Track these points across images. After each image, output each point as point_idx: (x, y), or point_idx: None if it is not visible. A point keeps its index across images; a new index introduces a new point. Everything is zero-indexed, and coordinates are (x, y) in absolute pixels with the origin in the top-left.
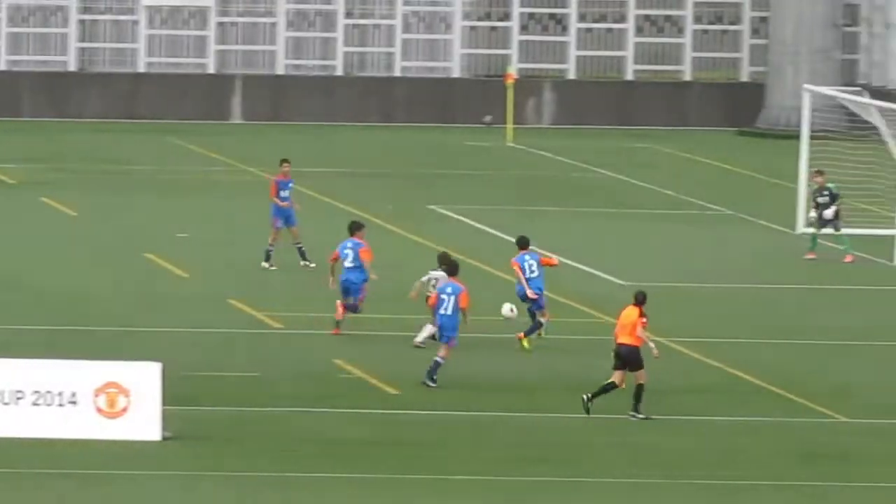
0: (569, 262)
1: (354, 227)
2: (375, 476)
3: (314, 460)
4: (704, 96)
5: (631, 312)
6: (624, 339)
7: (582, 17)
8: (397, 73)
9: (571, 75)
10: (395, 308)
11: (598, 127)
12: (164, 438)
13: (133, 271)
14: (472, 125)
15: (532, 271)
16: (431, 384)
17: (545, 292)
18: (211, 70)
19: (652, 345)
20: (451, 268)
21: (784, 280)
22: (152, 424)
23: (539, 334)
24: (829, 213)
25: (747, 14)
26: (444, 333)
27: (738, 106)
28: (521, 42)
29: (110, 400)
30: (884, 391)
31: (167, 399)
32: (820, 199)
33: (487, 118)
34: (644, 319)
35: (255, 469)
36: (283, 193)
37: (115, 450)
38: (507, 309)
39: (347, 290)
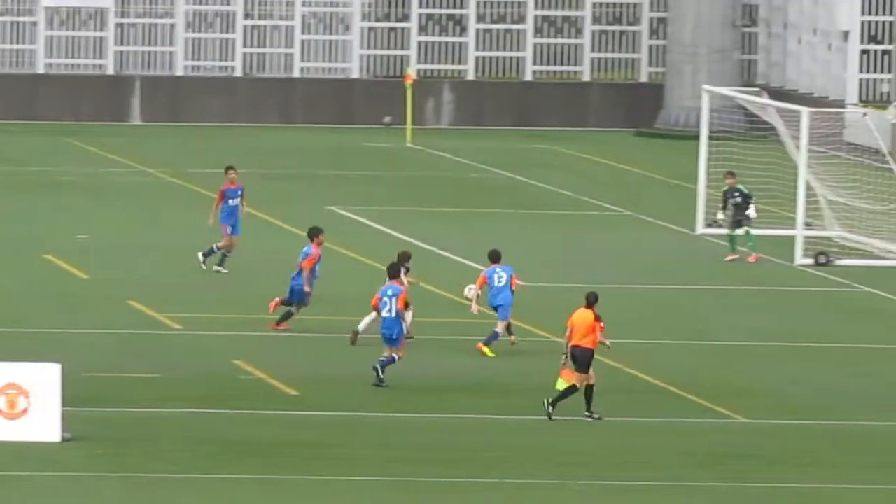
0: (468, 262)
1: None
2: (275, 477)
3: (214, 461)
4: (603, 97)
5: (586, 315)
6: (579, 342)
7: (480, 18)
8: (296, 73)
9: (470, 76)
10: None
11: (497, 128)
12: (65, 440)
13: (32, 272)
14: (372, 126)
15: (500, 281)
16: (381, 384)
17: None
18: (110, 71)
19: (608, 343)
20: (392, 271)
21: (684, 281)
22: (52, 426)
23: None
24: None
25: (646, 14)
26: (386, 336)
27: (637, 107)
28: (420, 43)
29: (10, 401)
30: (784, 392)
31: (67, 400)
32: (732, 201)
33: (387, 119)
34: (602, 324)
35: (155, 470)
36: (233, 202)
37: (16, 451)
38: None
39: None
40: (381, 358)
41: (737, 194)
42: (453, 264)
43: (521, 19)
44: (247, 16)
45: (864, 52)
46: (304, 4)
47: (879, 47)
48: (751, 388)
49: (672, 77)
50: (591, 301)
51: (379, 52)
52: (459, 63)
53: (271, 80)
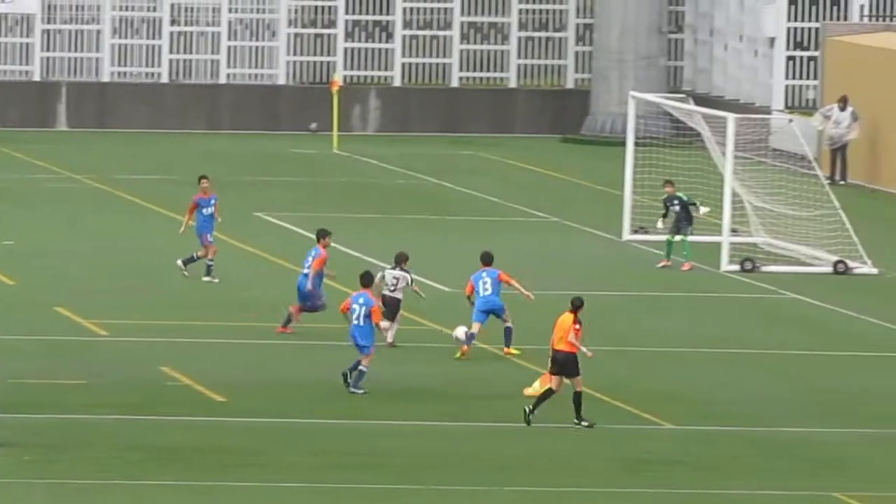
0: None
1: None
2: (201, 483)
3: (142, 467)
4: (530, 103)
5: (567, 319)
6: (560, 346)
7: (407, 25)
8: (223, 80)
9: (397, 82)
10: (223, 315)
11: (423, 134)
12: None
13: None
14: (298, 132)
15: (486, 289)
16: (357, 391)
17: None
18: (36, 77)
19: (584, 349)
20: (364, 279)
21: (612, 287)
22: None
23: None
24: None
25: (573, 21)
26: (357, 343)
27: (563, 113)
28: (346, 49)
29: None
30: (711, 398)
31: None
32: (672, 209)
33: (313, 125)
34: (578, 326)
35: (84, 476)
36: (206, 211)
37: None
38: (461, 332)
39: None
40: (359, 367)
41: (676, 202)
42: (378, 270)
43: (448, 26)
44: (173, 22)
45: (789, 58)
46: (230, 11)
47: (805, 54)
48: (678, 395)
49: (598, 83)
50: (575, 306)
51: (305, 58)
52: (386, 69)
53: (198, 86)
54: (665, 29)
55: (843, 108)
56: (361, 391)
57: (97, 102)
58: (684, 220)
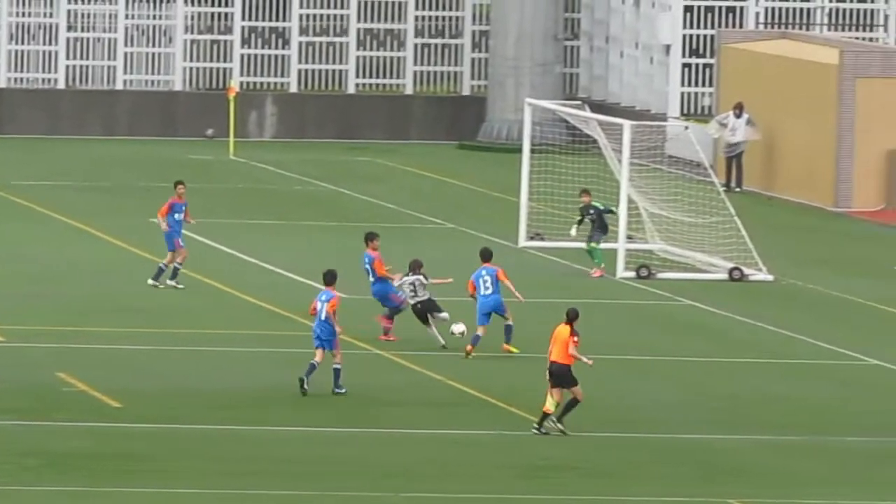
0: (290, 275)
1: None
2: (97, 489)
3: (37, 473)
4: (426, 110)
5: (563, 330)
6: (555, 357)
7: (303, 31)
8: (120, 86)
9: (293, 89)
10: (119, 321)
11: (320, 140)
12: None
13: None
14: (195, 138)
15: (486, 287)
16: (340, 391)
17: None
18: None
19: (585, 359)
20: (327, 277)
21: (508, 293)
22: None
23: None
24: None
25: (469, 28)
26: (321, 339)
27: (459, 119)
28: (243, 55)
29: None
30: (606, 404)
31: None
32: (589, 217)
33: (210, 132)
34: (576, 338)
35: None
36: (177, 216)
37: None
38: (458, 329)
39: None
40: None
41: (592, 211)
42: (275, 276)
43: (344, 32)
44: (70, 28)
45: (685, 65)
46: (127, 17)
47: (701, 61)
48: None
49: (494, 90)
50: (570, 317)
51: (202, 64)
52: (282, 76)
53: (95, 92)
54: (561, 36)
55: (738, 115)
56: (343, 390)
57: None
58: (599, 229)
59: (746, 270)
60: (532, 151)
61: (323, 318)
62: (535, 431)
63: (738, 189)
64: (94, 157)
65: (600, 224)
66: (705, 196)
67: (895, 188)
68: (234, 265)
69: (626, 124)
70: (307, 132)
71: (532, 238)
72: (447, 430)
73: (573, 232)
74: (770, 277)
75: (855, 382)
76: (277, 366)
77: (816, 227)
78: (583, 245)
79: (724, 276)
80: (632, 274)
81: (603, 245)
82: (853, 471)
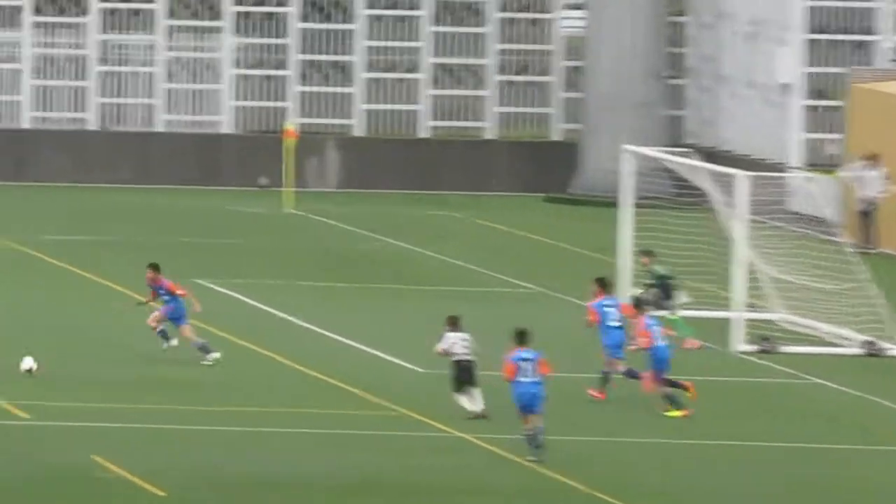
0: (353, 343)
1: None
2: None
3: None
4: (509, 157)
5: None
6: None
7: (369, 66)
8: (158, 127)
9: (358, 132)
10: (162, 397)
11: (388, 191)
12: None
13: None
14: (245, 188)
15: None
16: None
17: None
18: None
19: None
20: (522, 335)
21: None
22: None
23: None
24: (680, 297)
25: (559, 64)
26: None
27: (547, 168)
28: (299, 93)
29: None
30: (708, 498)
31: None
32: (647, 282)
33: (263, 180)
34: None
35: None
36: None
37: None
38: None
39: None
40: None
41: (653, 279)
42: (338, 346)
43: (416, 68)
44: (102, 61)
45: (808, 108)
46: (167, 49)
47: (825, 103)
48: (671, 492)
49: (588, 135)
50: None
51: (252, 103)
52: (345, 117)
53: (129, 133)
54: (664, 74)
55: (871, 167)
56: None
57: (14, 151)
58: (665, 297)
59: (883, 344)
60: (633, 206)
61: (531, 379)
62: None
63: (872, 250)
64: (128, 208)
65: (666, 290)
66: (834, 258)
67: None
68: (291, 333)
69: (741, 175)
70: (374, 181)
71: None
72: None
73: (682, 299)
74: None
75: None
76: (349, 450)
77: None
78: (668, 313)
79: (858, 350)
80: (751, 347)
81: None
82: None
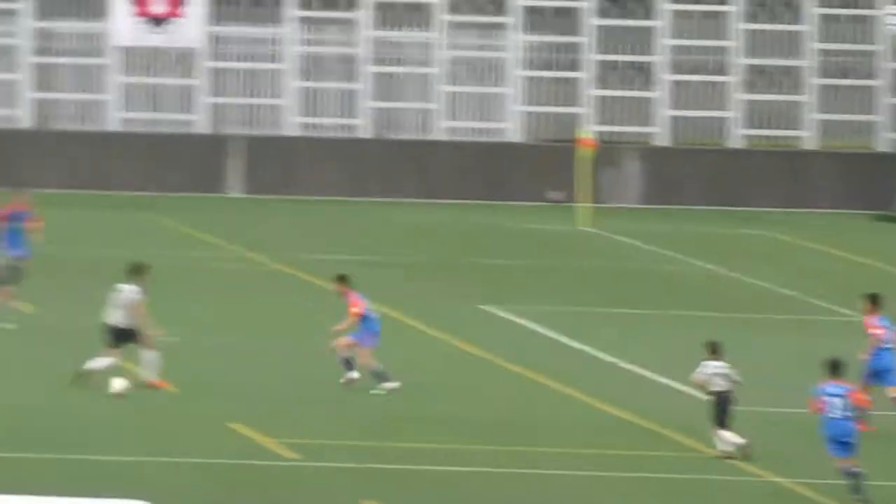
0: (661, 379)
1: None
2: None
3: None
4: (831, 170)
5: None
6: None
7: (674, 67)
8: (438, 135)
9: (661, 141)
10: (443, 435)
11: (695, 207)
12: None
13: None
14: (533, 203)
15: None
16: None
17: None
18: (202, 129)
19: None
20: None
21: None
22: None
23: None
24: None
25: (884, 65)
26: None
27: (874, 182)
28: (595, 98)
29: None
30: None
31: None
32: None
33: (554, 195)
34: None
35: None
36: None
37: None
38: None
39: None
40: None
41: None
42: (638, 380)
43: (725, 69)
44: (375, 60)
45: None
46: (446, 47)
47: None
48: None
49: None
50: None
51: (542, 108)
52: (647, 124)
53: (406, 142)
54: None
55: None
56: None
57: (278, 162)
58: None
59: None
60: None
61: (841, 416)
62: None
63: None
64: (403, 225)
65: None
66: None
67: None
68: (584, 364)
69: None
70: (679, 196)
71: None
72: None
73: None
74: None
75: None
76: (657, 498)
77: None
78: None
79: None
80: None
81: None
82: None
